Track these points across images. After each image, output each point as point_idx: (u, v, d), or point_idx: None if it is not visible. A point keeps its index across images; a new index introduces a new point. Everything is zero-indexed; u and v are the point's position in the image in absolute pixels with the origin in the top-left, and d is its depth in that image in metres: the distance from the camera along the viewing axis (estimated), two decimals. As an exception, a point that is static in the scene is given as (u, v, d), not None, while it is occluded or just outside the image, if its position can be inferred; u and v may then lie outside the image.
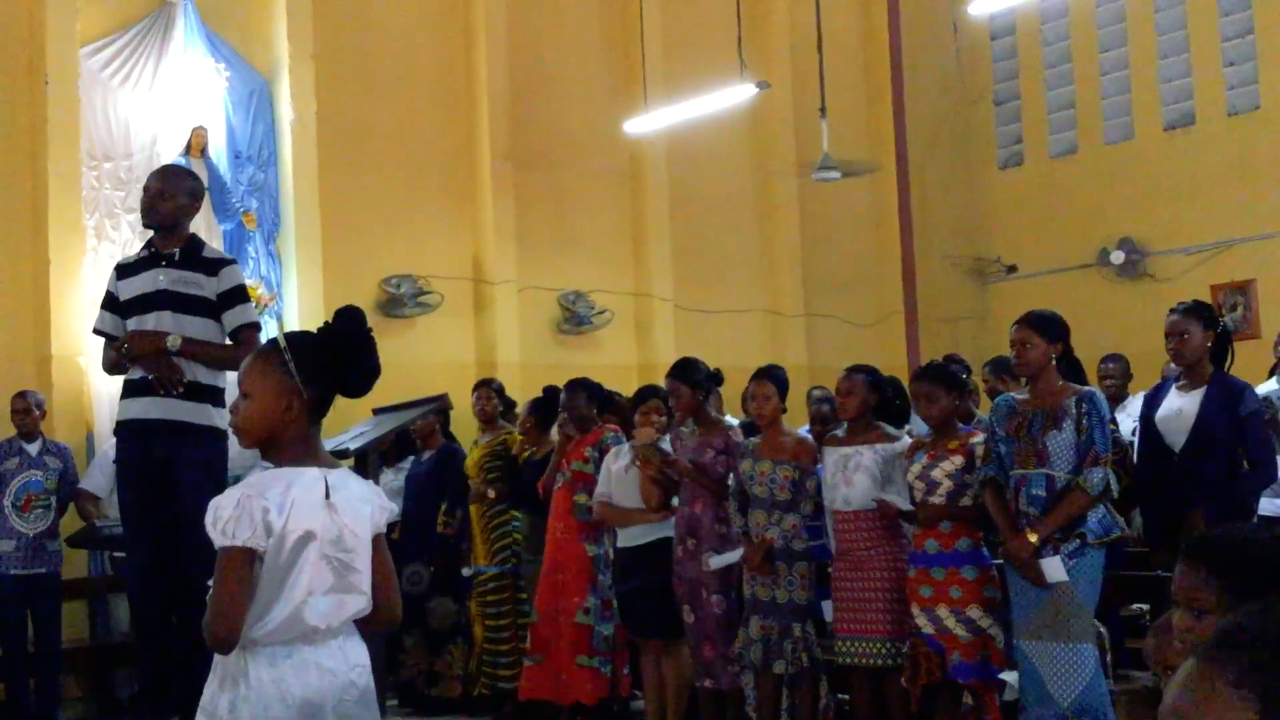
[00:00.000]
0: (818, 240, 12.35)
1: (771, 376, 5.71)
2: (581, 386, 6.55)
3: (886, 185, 13.00)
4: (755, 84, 9.83)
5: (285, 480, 2.61)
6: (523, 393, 8.33)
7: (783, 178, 12.14)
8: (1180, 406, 5.20)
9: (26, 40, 8.12)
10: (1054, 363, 4.75)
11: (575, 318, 10.68)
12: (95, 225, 8.24)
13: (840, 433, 5.57)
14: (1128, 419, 6.66)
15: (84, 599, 7.70)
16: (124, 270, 5.14)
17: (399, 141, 9.93)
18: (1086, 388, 4.76)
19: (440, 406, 7.51)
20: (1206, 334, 5.16)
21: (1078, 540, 4.56)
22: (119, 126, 8.42)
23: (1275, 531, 2.09)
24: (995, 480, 4.77)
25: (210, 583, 2.58)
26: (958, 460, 4.99)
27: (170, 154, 8.39)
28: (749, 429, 6.23)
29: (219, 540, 2.53)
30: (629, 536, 6.10)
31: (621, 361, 10.80)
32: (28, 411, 7.00)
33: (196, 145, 8.61)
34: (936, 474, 5.01)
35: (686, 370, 5.92)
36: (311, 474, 2.65)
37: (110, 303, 5.13)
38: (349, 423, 7.26)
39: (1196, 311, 5.24)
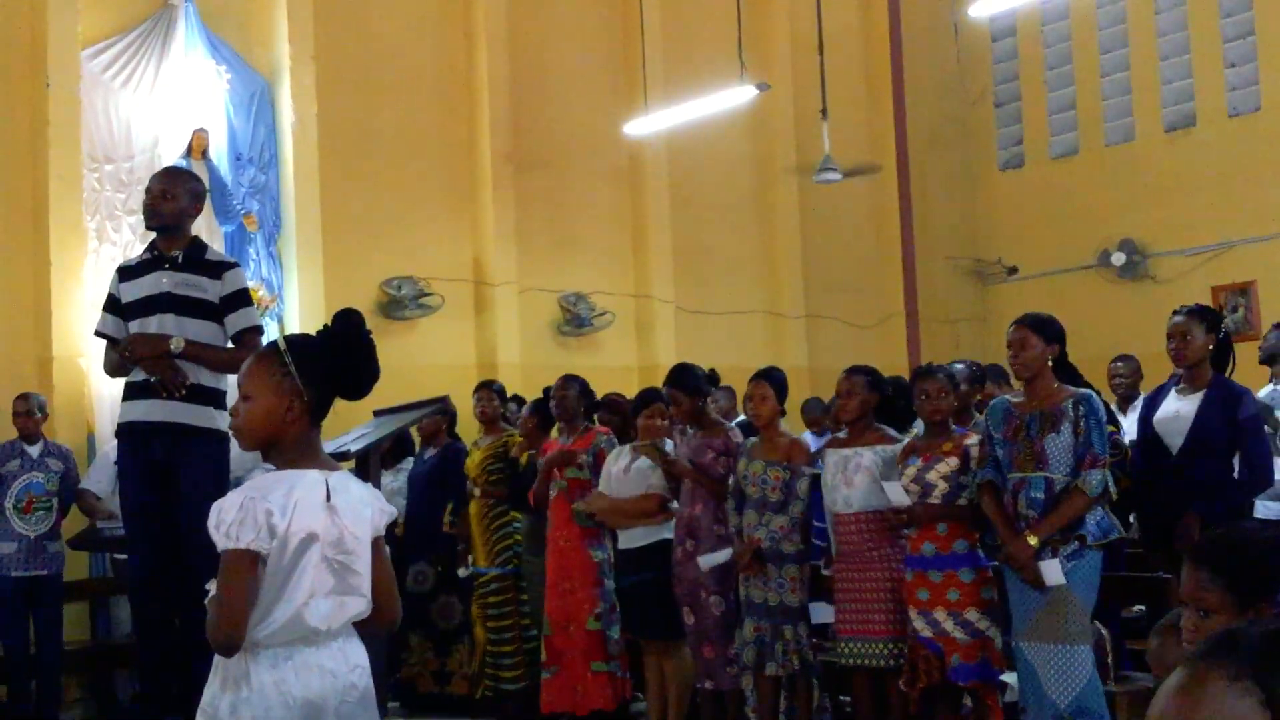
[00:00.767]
0: (818, 241, 12.36)
1: (769, 378, 5.72)
2: (575, 381, 6.58)
3: (887, 186, 13.02)
4: (756, 85, 9.84)
5: (287, 483, 2.62)
6: (523, 394, 8.34)
7: (783, 179, 12.15)
8: (1179, 409, 5.21)
9: (28, 42, 8.11)
10: (1050, 365, 4.76)
11: (576, 319, 10.68)
12: (96, 227, 8.23)
13: (841, 434, 5.58)
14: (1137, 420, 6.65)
15: (85, 600, 7.70)
16: (126, 272, 5.13)
17: (400, 143, 9.93)
18: (1083, 390, 4.75)
19: (443, 408, 7.51)
20: (1208, 337, 5.18)
21: (1076, 542, 4.56)
22: (120, 128, 8.41)
23: (1278, 532, 2.10)
24: (992, 483, 4.76)
25: (210, 585, 2.58)
26: (953, 462, 4.97)
27: (171, 156, 8.38)
28: (749, 429, 6.24)
29: (222, 543, 2.54)
30: (629, 538, 6.10)
31: (622, 363, 10.80)
32: (29, 414, 7.00)
33: (198, 147, 8.60)
34: (931, 476, 4.98)
35: (683, 378, 5.94)
36: (313, 476, 2.66)
37: (112, 305, 5.12)
38: (349, 425, 7.24)
39: (1200, 314, 5.26)
